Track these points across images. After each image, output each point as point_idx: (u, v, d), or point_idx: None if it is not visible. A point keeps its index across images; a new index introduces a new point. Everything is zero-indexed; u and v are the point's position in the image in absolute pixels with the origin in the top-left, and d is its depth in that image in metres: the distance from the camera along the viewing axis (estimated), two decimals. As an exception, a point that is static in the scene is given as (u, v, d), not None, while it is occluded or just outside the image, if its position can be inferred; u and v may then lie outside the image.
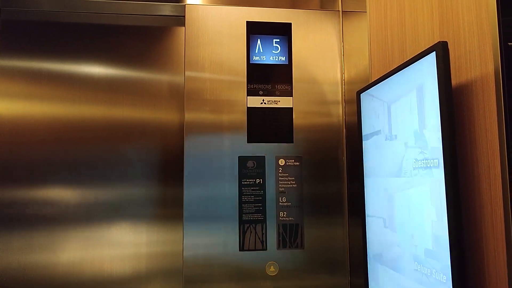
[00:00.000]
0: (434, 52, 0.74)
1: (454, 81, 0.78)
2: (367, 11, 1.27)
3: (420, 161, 0.80)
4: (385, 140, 0.98)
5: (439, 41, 0.72)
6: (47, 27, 1.45)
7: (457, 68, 0.79)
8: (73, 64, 1.45)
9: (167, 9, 1.48)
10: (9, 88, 1.41)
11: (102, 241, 1.40)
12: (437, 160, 0.74)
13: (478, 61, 0.73)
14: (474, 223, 0.73)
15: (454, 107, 0.75)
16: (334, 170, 1.42)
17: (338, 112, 1.45)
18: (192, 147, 1.37)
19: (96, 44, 1.47)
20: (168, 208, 1.44)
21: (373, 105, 1.05)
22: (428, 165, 0.77)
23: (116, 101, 1.46)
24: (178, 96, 1.49)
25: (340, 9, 1.49)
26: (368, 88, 1.08)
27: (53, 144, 1.41)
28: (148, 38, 1.51)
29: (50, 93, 1.43)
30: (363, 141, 1.13)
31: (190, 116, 1.39)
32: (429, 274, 0.76)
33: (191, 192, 1.35)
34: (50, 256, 1.37)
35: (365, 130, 1.11)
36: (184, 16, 1.44)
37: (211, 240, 1.34)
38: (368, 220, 1.08)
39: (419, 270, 0.80)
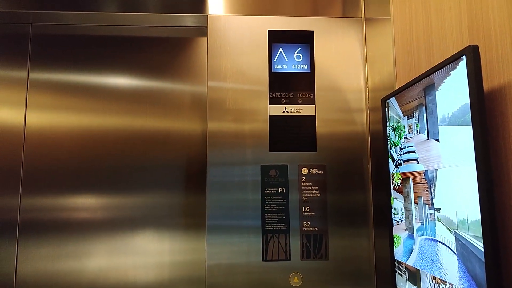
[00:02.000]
0: (464, 56, 0.72)
1: (486, 86, 0.75)
2: (391, 16, 1.25)
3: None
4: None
5: (469, 45, 0.70)
6: (74, 40, 1.50)
7: (488, 72, 0.76)
8: (98, 76, 1.49)
9: (189, 20, 1.50)
10: (38, 99, 1.46)
11: (127, 249, 1.41)
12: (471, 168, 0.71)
13: (511, 65, 0.70)
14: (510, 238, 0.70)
15: (486, 112, 0.72)
16: (359, 179, 1.39)
17: (362, 120, 1.42)
18: (215, 157, 1.37)
19: (121, 56, 1.51)
20: (191, 217, 1.45)
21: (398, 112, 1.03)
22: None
23: (140, 112, 1.48)
24: (201, 106, 1.51)
25: (363, 16, 1.47)
26: (394, 95, 1.06)
27: (80, 154, 1.44)
28: (171, 49, 1.53)
29: (76, 104, 1.47)
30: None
31: (212, 125, 1.39)
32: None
33: (213, 201, 1.35)
34: (76, 264, 1.39)
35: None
36: (207, 27, 1.45)
37: (234, 249, 1.33)
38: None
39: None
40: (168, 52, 1.53)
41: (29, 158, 1.42)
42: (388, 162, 1.09)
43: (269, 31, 1.46)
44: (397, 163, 1.04)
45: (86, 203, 1.42)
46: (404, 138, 1.00)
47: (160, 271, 1.42)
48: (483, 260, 0.66)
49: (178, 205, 1.45)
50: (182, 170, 1.47)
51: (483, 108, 0.68)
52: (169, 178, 1.46)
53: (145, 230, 1.43)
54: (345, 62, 1.45)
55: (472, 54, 0.69)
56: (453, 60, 0.75)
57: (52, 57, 1.49)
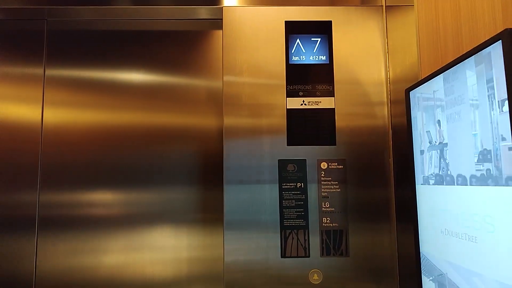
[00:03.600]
0: (500, 41, 0.67)
1: (524, 73, 0.70)
2: (415, 3, 1.19)
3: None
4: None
5: (506, 29, 0.65)
6: (89, 35, 1.49)
7: (526, 59, 0.70)
8: (113, 72, 1.48)
9: (204, 13, 1.48)
10: (54, 96, 1.45)
11: (144, 245, 1.41)
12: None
13: (552, 49, 0.65)
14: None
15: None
16: (380, 174, 1.35)
17: (383, 113, 1.37)
18: (232, 152, 1.35)
19: (134, 51, 1.49)
20: (208, 212, 1.43)
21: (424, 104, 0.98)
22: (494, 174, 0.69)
23: (155, 107, 1.47)
24: (217, 100, 1.48)
25: (384, 4, 1.41)
26: (419, 85, 1.01)
27: (96, 150, 1.44)
28: (186, 43, 1.51)
29: (92, 100, 1.46)
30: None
31: (229, 120, 1.36)
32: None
33: (231, 196, 1.33)
34: (93, 260, 1.39)
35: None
36: (222, 19, 1.42)
37: (252, 245, 1.31)
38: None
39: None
40: (183, 47, 1.51)
41: (46, 155, 1.43)
42: (413, 156, 1.05)
43: (285, 22, 1.41)
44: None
45: (103, 199, 1.42)
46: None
47: (178, 267, 1.41)
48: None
49: (195, 201, 1.43)
50: (198, 166, 1.45)
51: (522, 97, 0.63)
52: (185, 174, 1.44)
53: (162, 225, 1.42)
54: (365, 53, 1.40)
55: (509, 39, 0.64)
56: (487, 45, 0.70)
57: (68, 53, 1.48)
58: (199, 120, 1.48)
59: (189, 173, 1.44)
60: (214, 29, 1.53)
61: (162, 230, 1.42)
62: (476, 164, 0.76)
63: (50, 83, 1.46)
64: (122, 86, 1.48)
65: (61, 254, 1.39)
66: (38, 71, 1.46)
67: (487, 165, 0.72)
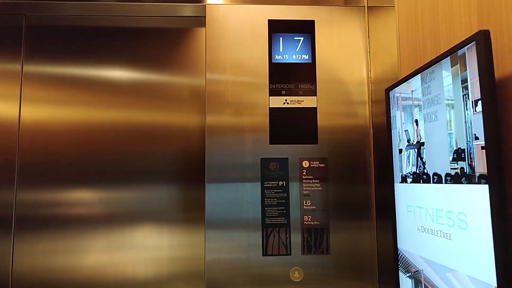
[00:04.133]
0: (474, 42, 0.68)
1: (497, 74, 0.72)
2: (395, 4, 1.21)
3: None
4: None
5: (480, 30, 0.66)
6: (69, 31, 1.46)
7: (499, 60, 0.72)
8: (94, 68, 1.45)
9: (187, 10, 1.46)
10: (33, 93, 1.42)
11: (125, 244, 1.39)
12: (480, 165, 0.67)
13: (524, 51, 0.66)
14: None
15: (497, 102, 0.69)
16: (361, 173, 1.36)
17: (364, 112, 1.39)
18: (214, 150, 1.34)
19: (116, 48, 1.47)
20: (190, 211, 1.42)
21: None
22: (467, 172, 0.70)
23: (137, 105, 1.45)
24: (199, 98, 1.47)
25: (366, 5, 1.43)
26: (398, 85, 1.02)
27: (76, 148, 1.41)
28: (169, 41, 1.50)
29: (72, 97, 1.43)
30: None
31: (211, 119, 1.36)
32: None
33: (212, 195, 1.32)
34: (73, 259, 1.37)
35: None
36: (205, 17, 1.41)
37: (234, 244, 1.31)
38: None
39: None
40: (166, 44, 1.49)
41: (24, 153, 1.39)
42: (392, 154, 1.06)
43: (269, 20, 1.41)
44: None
45: (83, 198, 1.39)
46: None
47: (159, 266, 1.40)
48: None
49: (177, 200, 1.42)
50: (180, 164, 1.44)
51: (494, 98, 0.65)
52: (167, 172, 1.43)
53: (144, 225, 1.41)
54: (347, 53, 1.42)
55: (483, 40, 0.66)
56: (462, 46, 0.71)
57: (47, 49, 1.45)
58: (182, 118, 1.47)
59: (170, 172, 1.43)
60: (197, 27, 1.52)
61: (144, 229, 1.40)
62: (451, 163, 0.78)
63: (28, 80, 1.43)
64: (103, 83, 1.45)
65: (39, 254, 1.36)
66: (16, 67, 1.43)
67: (461, 164, 0.74)
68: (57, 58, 1.45)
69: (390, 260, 1.25)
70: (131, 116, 1.45)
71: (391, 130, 1.07)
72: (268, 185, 1.34)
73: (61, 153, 1.40)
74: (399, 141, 1.05)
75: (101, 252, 1.38)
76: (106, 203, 1.40)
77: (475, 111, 0.70)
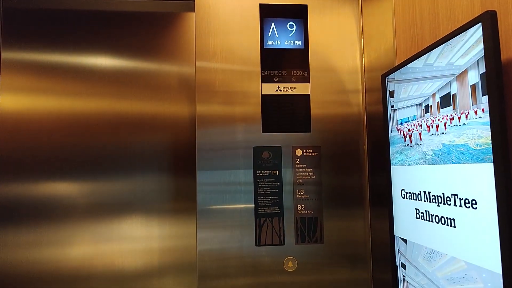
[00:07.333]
0: (480, 23, 0.66)
1: (503, 57, 0.70)
2: (391, -12, 1.18)
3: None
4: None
5: (487, 11, 0.64)
6: (50, 15, 1.39)
7: (504, 43, 0.70)
8: (77, 55, 1.39)
9: (175, -7, 1.41)
10: (13, 81, 1.35)
11: (113, 236, 1.35)
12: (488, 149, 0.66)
13: (530, 33, 0.65)
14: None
15: (503, 86, 0.67)
16: (355, 161, 1.35)
17: (358, 101, 1.37)
18: (205, 139, 1.30)
19: (101, 33, 1.41)
20: (180, 201, 1.39)
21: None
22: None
23: (124, 94, 1.40)
24: (189, 87, 1.43)
25: (359, -11, 1.40)
26: (395, 71, 1.00)
27: (60, 139, 1.36)
28: (156, 26, 1.44)
29: (54, 86, 1.37)
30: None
31: (202, 108, 1.31)
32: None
33: (204, 185, 1.29)
34: (59, 252, 1.32)
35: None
36: (194, 1, 1.36)
37: (226, 234, 1.28)
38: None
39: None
40: (153, 29, 1.44)
41: (3, 143, 1.33)
42: (389, 138, 1.04)
43: (260, 5, 1.37)
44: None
45: (68, 189, 1.34)
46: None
47: (149, 258, 1.36)
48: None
49: (167, 190, 1.39)
50: (170, 154, 1.40)
51: (500, 80, 0.63)
52: (157, 162, 1.39)
53: (132, 216, 1.37)
54: (341, 39, 1.39)
55: (490, 21, 0.64)
56: (467, 28, 0.69)
57: (26, 34, 1.38)
58: (171, 107, 1.42)
59: (160, 162, 1.39)
60: (185, 11, 1.46)
61: (133, 220, 1.36)
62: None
63: (6, 67, 1.35)
64: (87, 70, 1.39)
65: (24, 247, 1.31)
66: (-7, 52, 1.35)
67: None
68: (37, 43, 1.37)
69: (384, 248, 1.24)
70: (117, 106, 1.39)
71: (387, 117, 1.05)
72: (261, 174, 1.31)
73: (43, 144, 1.34)
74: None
75: (88, 244, 1.34)
76: (93, 194, 1.35)
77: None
